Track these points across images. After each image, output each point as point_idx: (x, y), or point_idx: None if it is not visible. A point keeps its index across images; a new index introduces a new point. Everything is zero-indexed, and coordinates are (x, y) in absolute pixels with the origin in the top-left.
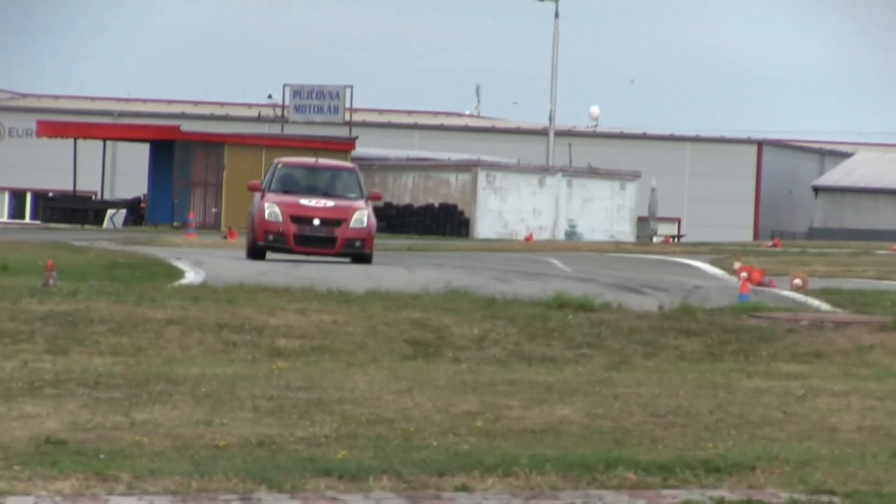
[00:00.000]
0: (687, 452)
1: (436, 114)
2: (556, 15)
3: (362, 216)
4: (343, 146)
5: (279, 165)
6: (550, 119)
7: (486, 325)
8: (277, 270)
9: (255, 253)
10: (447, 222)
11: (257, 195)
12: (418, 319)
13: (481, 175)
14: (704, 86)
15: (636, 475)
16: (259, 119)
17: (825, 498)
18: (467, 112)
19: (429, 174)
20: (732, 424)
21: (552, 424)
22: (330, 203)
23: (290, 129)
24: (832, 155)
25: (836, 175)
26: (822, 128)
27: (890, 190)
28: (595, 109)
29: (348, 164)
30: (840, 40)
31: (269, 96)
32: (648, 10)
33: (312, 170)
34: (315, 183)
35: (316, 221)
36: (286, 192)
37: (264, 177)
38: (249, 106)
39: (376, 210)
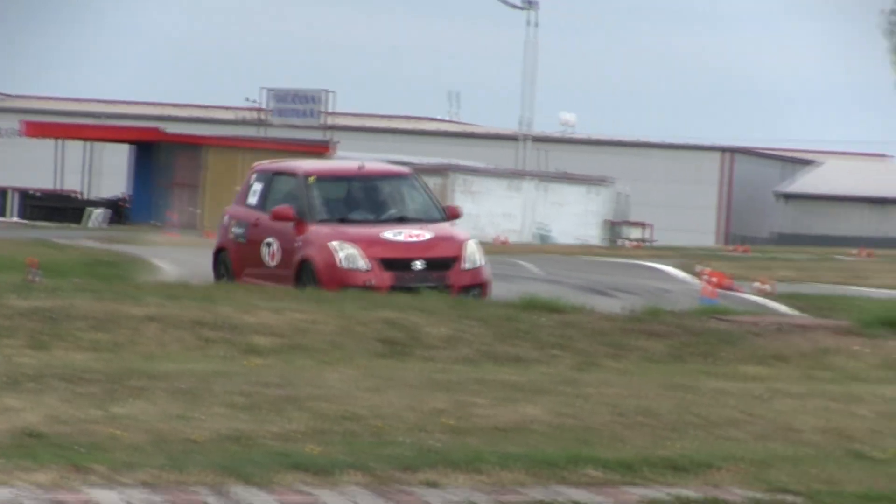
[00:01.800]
0: (651, 451)
1: (412, 118)
2: (532, 23)
3: (474, 252)
4: (321, 149)
5: (310, 179)
6: (521, 124)
7: (458, 325)
8: None
9: None
10: None
11: (286, 226)
12: (391, 319)
13: (456, 178)
14: (675, 93)
15: (601, 473)
16: (239, 122)
17: (784, 496)
18: (441, 117)
19: None
20: (695, 424)
21: (520, 423)
22: (425, 234)
23: (269, 132)
24: (798, 163)
25: (803, 182)
26: (787, 136)
27: (854, 197)
28: (567, 116)
29: (403, 169)
30: (817, 53)
31: (247, 99)
32: (623, 21)
33: (358, 181)
34: (372, 202)
35: (418, 264)
36: (343, 220)
37: (243, 187)
38: (230, 109)
39: None
